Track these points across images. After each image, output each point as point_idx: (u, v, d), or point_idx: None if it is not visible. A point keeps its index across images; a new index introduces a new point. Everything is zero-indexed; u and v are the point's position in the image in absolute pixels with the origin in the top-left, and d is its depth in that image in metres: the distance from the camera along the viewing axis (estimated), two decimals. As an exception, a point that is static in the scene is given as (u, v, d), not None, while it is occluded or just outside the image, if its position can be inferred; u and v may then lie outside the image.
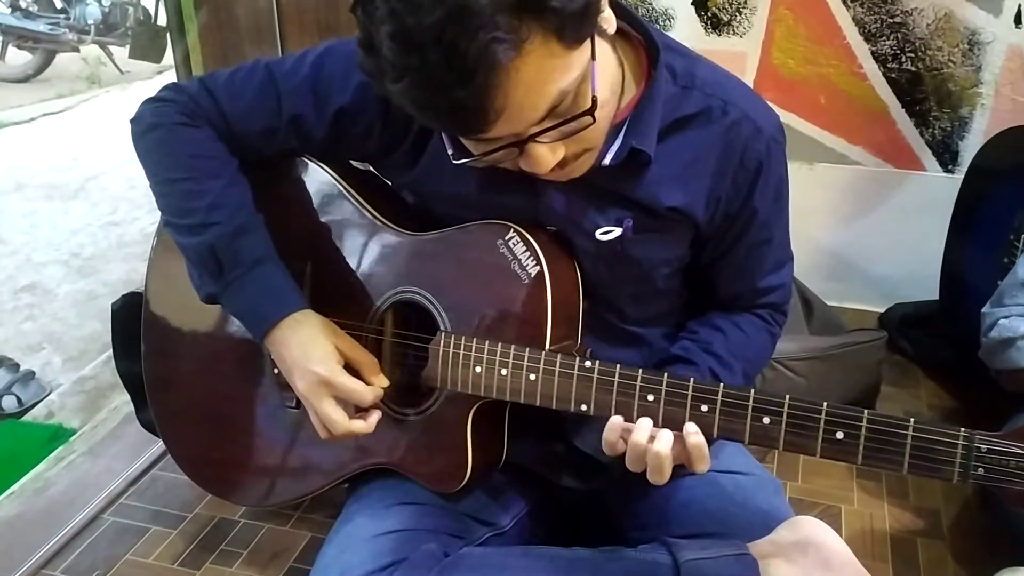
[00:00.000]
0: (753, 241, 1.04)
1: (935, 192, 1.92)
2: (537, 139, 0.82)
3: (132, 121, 1.09)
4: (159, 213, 1.12)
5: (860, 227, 2.05)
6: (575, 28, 0.77)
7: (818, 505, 1.52)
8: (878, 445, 0.84)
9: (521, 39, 0.73)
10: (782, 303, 1.12)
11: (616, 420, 0.92)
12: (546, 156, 0.84)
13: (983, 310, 1.42)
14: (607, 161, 0.94)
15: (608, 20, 0.86)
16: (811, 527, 0.99)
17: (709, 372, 1.02)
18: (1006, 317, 1.38)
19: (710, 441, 0.91)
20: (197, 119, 1.06)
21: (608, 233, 1.00)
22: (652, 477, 0.92)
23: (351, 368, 1.01)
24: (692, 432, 0.89)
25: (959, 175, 1.86)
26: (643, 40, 0.97)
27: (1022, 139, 1.73)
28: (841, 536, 1.00)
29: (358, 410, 1.01)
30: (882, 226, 2.04)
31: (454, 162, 0.88)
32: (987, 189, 1.78)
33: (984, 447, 0.81)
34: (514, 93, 0.76)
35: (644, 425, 0.91)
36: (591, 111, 0.82)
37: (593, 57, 0.81)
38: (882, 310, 2.07)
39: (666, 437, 0.90)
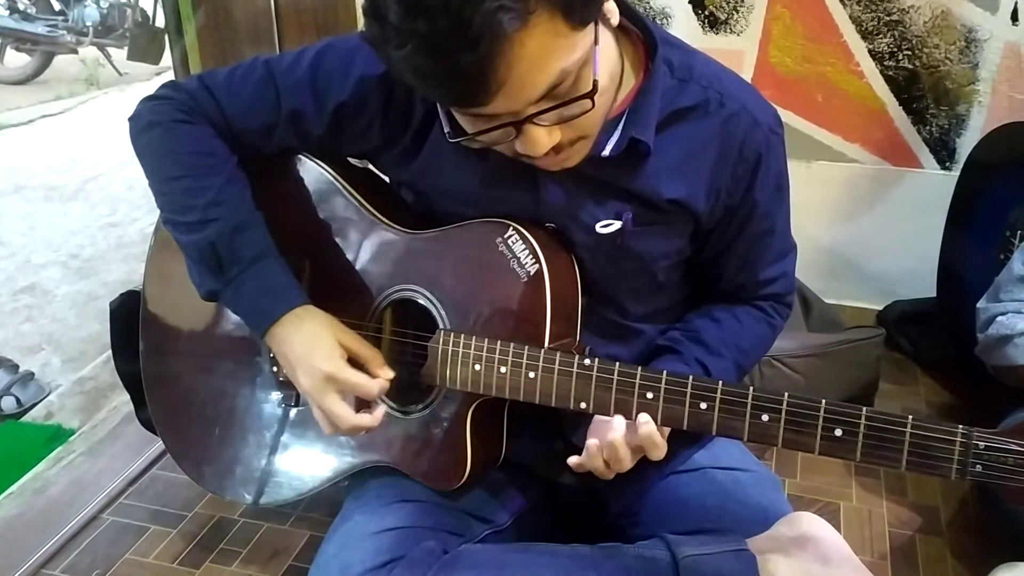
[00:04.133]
0: (755, 233, 1.04)
1: (933, 189, 1.92)
2: (535, 120, 0.82)
3: (130, 119, 1.09)
4: (158, 214, 1.12)
5: (858, 225, 2.06)
6: (581, 9, 0.78)
7: (817, 502, 1.53)
8: (876, 442, 0.84)
9: (528, 11, 0.74)
10: (785, 293, 1.12)
11: (593, 443, 0.96)
12: (542, 138, 0.84)
13: (978, 305, 1.43)
14: (607, 152, 0.95)
15: (612, 11, 0.88)
16: (809, 523, 1.00)
17: (695, 361, 1.03)
18: (1003, 314, 1.38)
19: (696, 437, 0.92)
20: (196, 116, 1.06)
21: (608, 226, 1.00)
22: (615, 466, 0.96)
23: (354, 362, 1.01)
24: (643, 422, 0.92)
25: (956, 172, 1.86)
26: (641, 34, 0.97)
27: (1017, 135, 1.73)
28: (840, 533, 1.00)
29: (361, 404, 1.01)
30: (880, 224, 2.04)
31: (450, 140, 0.88)
32: (982, 185, 1.78)
33: (982, 444, 0.81)
34: (517, 66, 0.76)
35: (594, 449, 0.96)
36: (591, 94, 0.82)
37: (596, 42, 0.82)
38: (880, 307, 2.08)
39: (618, 425, 0.93)
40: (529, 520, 1.14)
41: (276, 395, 1.16)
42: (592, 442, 0.96)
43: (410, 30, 0.74)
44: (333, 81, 1.02)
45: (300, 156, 1.12)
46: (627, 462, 0.95)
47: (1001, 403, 1.40)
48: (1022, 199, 1.68)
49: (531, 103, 0.80)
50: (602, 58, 0.84)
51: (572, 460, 0.98)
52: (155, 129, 1.06)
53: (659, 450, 0.94)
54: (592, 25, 0.81)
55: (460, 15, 0.72)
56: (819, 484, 1.57)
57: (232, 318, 1.16)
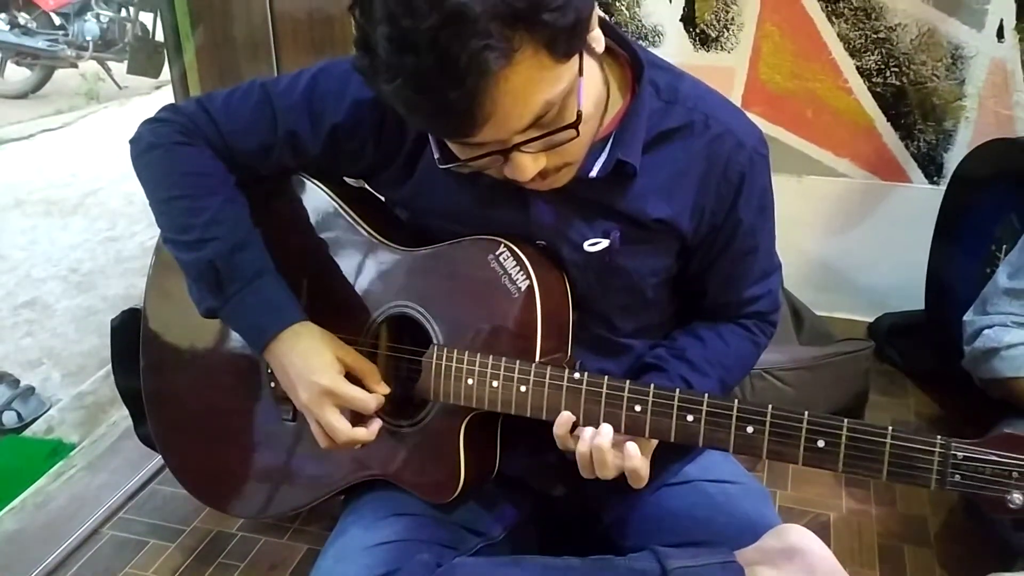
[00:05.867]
0: (738, 251, 1.06)
1: (921, 203, 1.94)
2: (521, 148, 0.85)
3: (131, 141, 1.11)
4: (157, 229, 1.14)
5: (848, 238, 2.08)
6: (565, 43, 0.80)
7: (808, 513, 1.54)
8: (858, 453, 0.86)
9: (513, 49, 0.76)
10: (769, 312, 1.14)
11: (565, 415, 0.96)
12: (528, 165, 0.86)
13: (965, 318, 1.44)
14: (594, 173, 0.97)
15: (597, 39, 0.90)
16: (797, 535, 1.01)
17: (679, 378, 1.05)
18: (990, 327, 1.40)
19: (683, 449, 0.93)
20: (195, 138, 1.08)
21: (596, 244, 1.02)
22: (599, 472, 0.96)
23: (351, 377, 1.03)
24: (630, 455, 0.94)
25: (944, 187, 1.89)
26: (628, 57, 1.00)
27: (1002, 151, 1.76)
28: (830, 543, 1.02)
29: (357, 418, 1.03)
30: (870, 237, 2.06)
31: (440, 166, 0.91)
32: (968, 200, 1.81)
33: (960, 455, 0.83)
34: (502, 100, 0.78)
35: (587, 433, 0.96)
36: (575, 124, 0.84)
37: (580, 73, 0.84)
38: (871, 320, 2.10)
39: (607, 432, 0.95)
40: (522, 532, 1.16)
41: (274, 410, 1.17)
42: (588, 428, 0.96)
43: (399, 65, 0.77)
44: (328, 103, 1.04)
45: (297, 176, 1.14)
46: (610, 471, 0.96)
47: (989, 414, 1.41)
48: (1007, 213, 1.70)
49: (517, 133, 0.83)
50: (587, 87, 0.86)
51: (558, 433, 0.97)
52: (155, 151, 1.08)
53: (642, 482, 0.96)
54: (576, 56, 0.83)
55: (447, 53, 0.74)
56: (809, 495, 1.59)
57: (231, 335, 1.18)
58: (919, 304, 1.94)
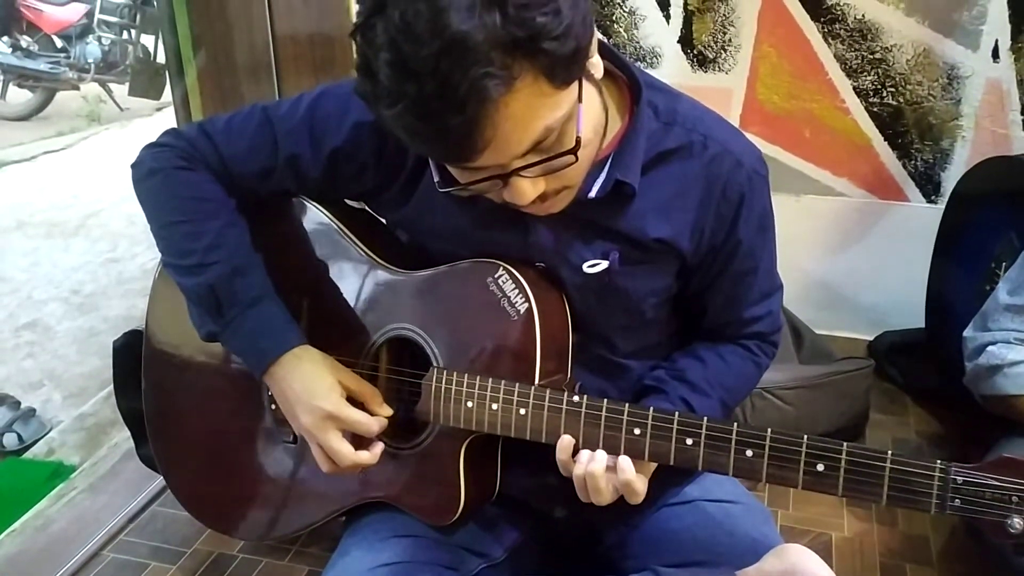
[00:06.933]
0: (738, 271, 1.06)
1: (919, 222, 1.96)
2: (521, 173, 0.85)
3: (133, 166, 1.12)
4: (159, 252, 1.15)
5: (847, 257, 2.09)
6: (564, 70, 0.81)
7: (809, 533, 1.54)
8: (857, 477, 0.86)
9: (513, 76, 0.77)
10: (770, 332, 1.14)
11: (566, 439, 0.97)
12: (527, 189, 0.87)
13: (965, 334, 1.44)
14: (593, 194, 0.98)
15: (596, 66, 0.90)
16: (797, 555, 1.01)
17: (680, 400, 1.05)
18: (992, 343, 1.40)
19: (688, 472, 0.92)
20: (195, 163, 1.09)
21: (595, 266, 1.02)
22: (593, 498, 0.96)
23: (353, 400, 1.03)
24: (622, 469, 0.94)
25: (942, 205, 1.90)
26: (626, 79, 1.01)
27: (1000, 169, 1.77)
28: (832, 563, 1.02)
29: (359, 441, 1.03)
30: (869, 256, 2.07)
31: (440, 190, 0.91)
32: (967, 218, 1.82)
33: (960, 479, 0.83)
34: (502, 126, 0.79)
35: (583, 457, 0.96)
36: (574, 151, 0.85)
37: (580, 99, 0.85)
38: (871, 338, 2.10)
39: (600, 458, 0.95)
40: (523, 553, 1.15)
41: (275, 433, 1.17)
42: (585, 452, 0.97)
43: (400, 91, 0.78)
44: (329, 126, 1.05)
45: (298, 198, 1.15)
46: (606, 496, 0.96)
47: (990, 432, 1.41)
48: (1006, 231, 1.71)
49: (516, 158, 0.83)
50: (586, 113, 0.86)
51: (560, 458, 0.98)
52: (156, 176, 1.09)
53: (637, 497, 0.96)
54: (576, 83, 0.84)
55: (448, 80, 0.75)
56: (811, 515, 1.58)
57: (232, 357, 1.18)
58: (919, 322, 1.94)
